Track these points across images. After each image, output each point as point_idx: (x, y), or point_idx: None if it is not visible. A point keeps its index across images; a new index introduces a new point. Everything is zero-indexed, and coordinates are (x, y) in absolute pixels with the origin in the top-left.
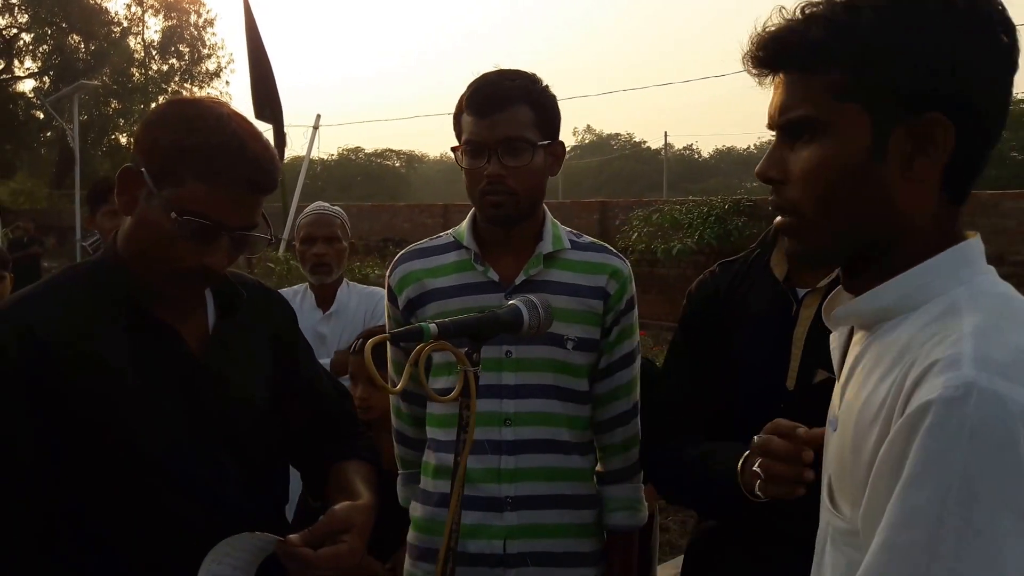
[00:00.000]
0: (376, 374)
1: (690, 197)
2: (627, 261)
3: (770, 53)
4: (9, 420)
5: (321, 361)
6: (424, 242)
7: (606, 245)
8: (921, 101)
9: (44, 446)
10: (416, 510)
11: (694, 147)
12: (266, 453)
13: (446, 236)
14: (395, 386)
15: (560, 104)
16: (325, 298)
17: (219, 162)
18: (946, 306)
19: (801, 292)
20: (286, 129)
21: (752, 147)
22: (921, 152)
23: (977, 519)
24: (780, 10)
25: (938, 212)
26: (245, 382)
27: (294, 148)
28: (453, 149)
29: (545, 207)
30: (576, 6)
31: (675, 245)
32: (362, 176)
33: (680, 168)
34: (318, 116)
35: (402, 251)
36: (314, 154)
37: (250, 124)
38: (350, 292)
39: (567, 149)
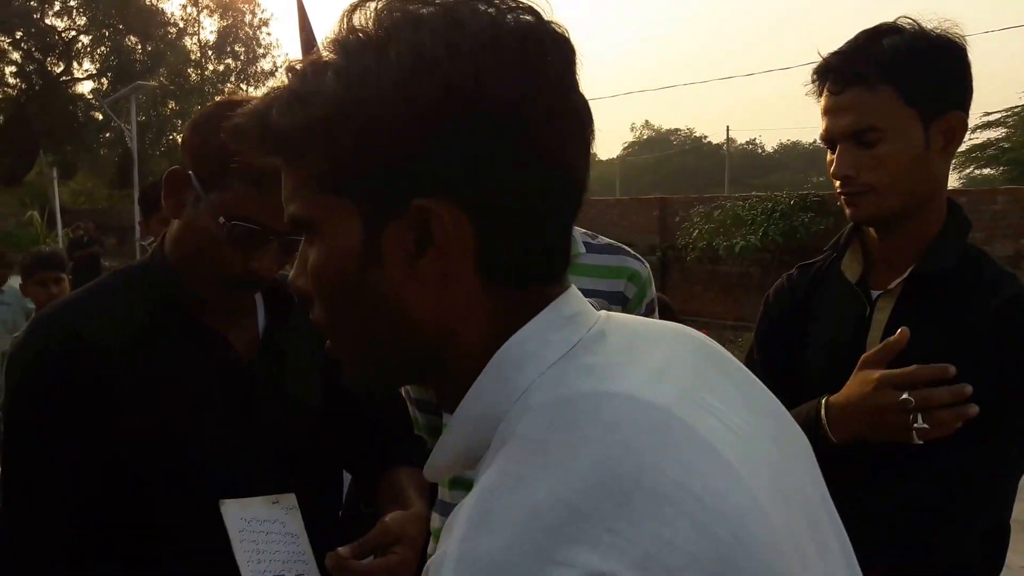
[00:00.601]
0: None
1: (753, 193)
2: (646, 262)
3: (256, 137)
4: (54, 427)
5: None
6: None
7: (622, 246)
8: (410, 186)
9: (89, 454)
10: (435, 521)
11: (757, 141)
12: (319, 460)
13: None
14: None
15: (618, 100)
16: None
17: (268, 164)
18: (498, 447)
19: (875, 294)
20: None
21: (818, 141)
22: (428, 248)
23: None
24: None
25: (491, 312)
26: (297, 388)
27: None
28: None
29: None
30: (634, 0)
31: (738, 242)
32: None
33: (742, 163)
34: None
35: None
36: None
37: None
38: None
39: (624, 145)
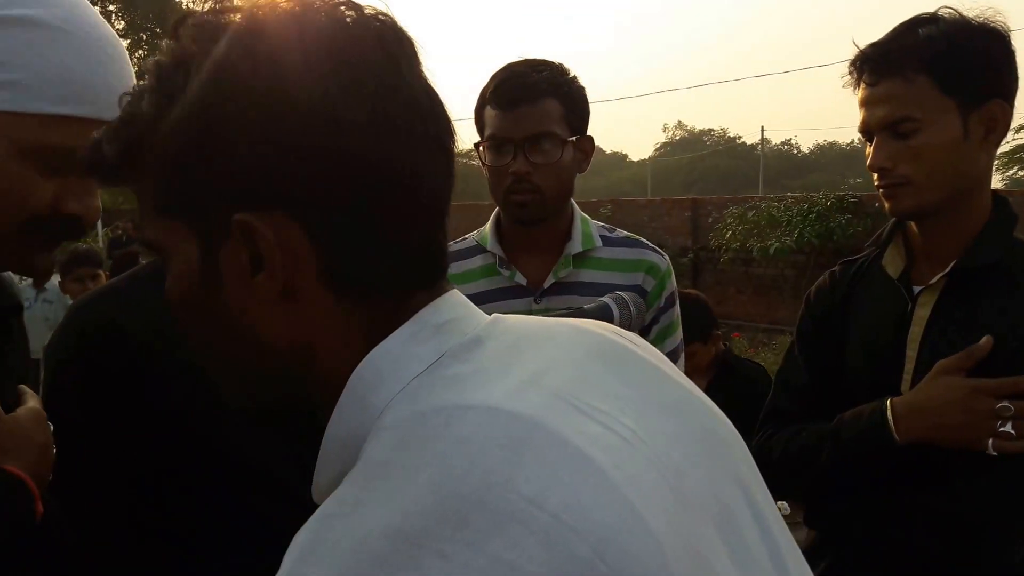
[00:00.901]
0: None
1: (789, 194)
2: (665, 255)
3: (93, 166)
4: (91, 415)
5: None
6: (450, 245)
7: (641, 239)
8: (229, 202)
9: (125, 442)
10: None
11: (792, 142)
12: None
13: (470, 239)
14: None
15: (650, 100)
16: None
17: None
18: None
19: (917, 290)
20: None
21: (856, 141)
22: (262, 264)
23: None
24: None
25: (349, 327)
26: None
27: None
28: (476, 145)
29: (574, 204)
30: None
31: (772, 244)
32: None
33: (778, 164)
34: None
35: None
36: None
37: None
38: None
39: (656, 145)
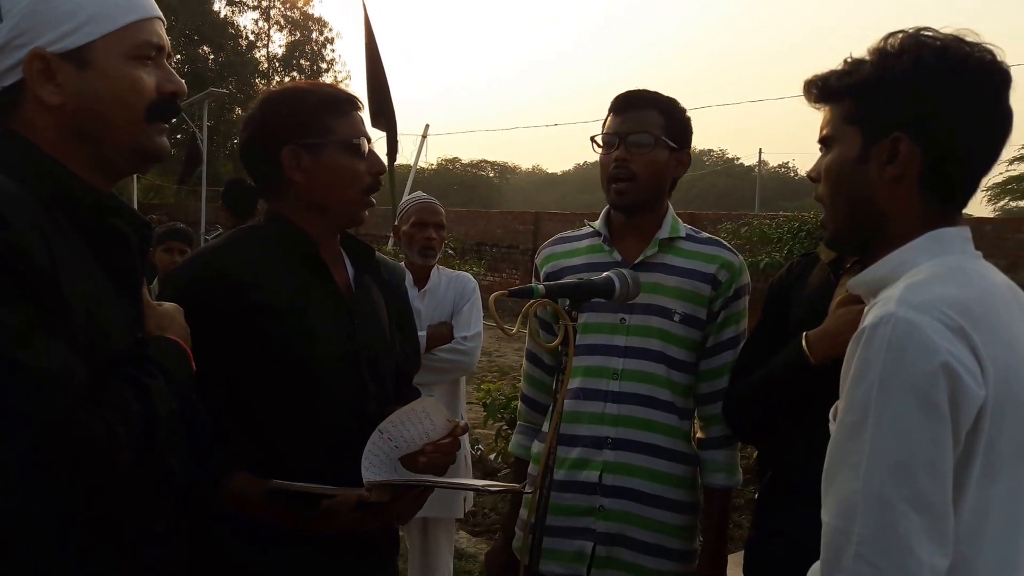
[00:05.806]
0: (499, 321)
1: (781, 212)
2: (739, 255)
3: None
4: (209, 341)
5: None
6: (564, 233)
7: (721, 240)
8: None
9: (236, 364)
10: (535, 447)
11: (790, 165)
12: (393, 381)
13: (584, 228)
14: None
15: None
16: (420, 278)
17: (338, 99)
18: (913, 274)
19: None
20: (398, 137)
21: None
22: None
23: (891, 403)
24: None
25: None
26: (380, 320)
27: (404, 155)
28: (591, 138)
29: (670, 206)
30: (669, 20)
31: (763, 259)
32: (458, 184)
33: (775, 186)
34: (427, 126)
35: (548, 240)
36: (420, 162)
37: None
38: (440, 274)
39: None
